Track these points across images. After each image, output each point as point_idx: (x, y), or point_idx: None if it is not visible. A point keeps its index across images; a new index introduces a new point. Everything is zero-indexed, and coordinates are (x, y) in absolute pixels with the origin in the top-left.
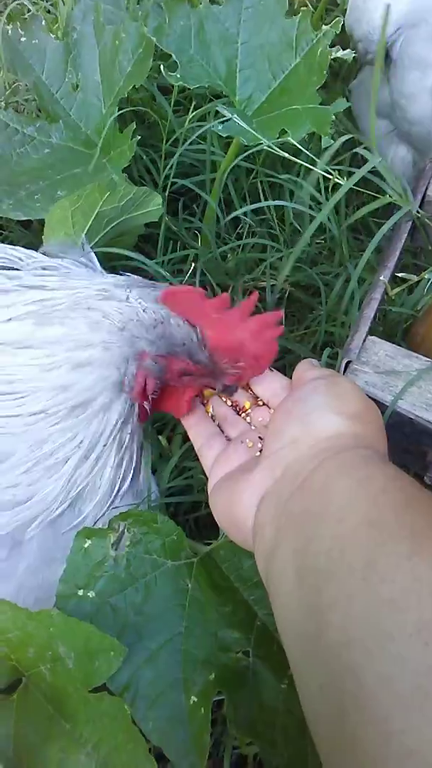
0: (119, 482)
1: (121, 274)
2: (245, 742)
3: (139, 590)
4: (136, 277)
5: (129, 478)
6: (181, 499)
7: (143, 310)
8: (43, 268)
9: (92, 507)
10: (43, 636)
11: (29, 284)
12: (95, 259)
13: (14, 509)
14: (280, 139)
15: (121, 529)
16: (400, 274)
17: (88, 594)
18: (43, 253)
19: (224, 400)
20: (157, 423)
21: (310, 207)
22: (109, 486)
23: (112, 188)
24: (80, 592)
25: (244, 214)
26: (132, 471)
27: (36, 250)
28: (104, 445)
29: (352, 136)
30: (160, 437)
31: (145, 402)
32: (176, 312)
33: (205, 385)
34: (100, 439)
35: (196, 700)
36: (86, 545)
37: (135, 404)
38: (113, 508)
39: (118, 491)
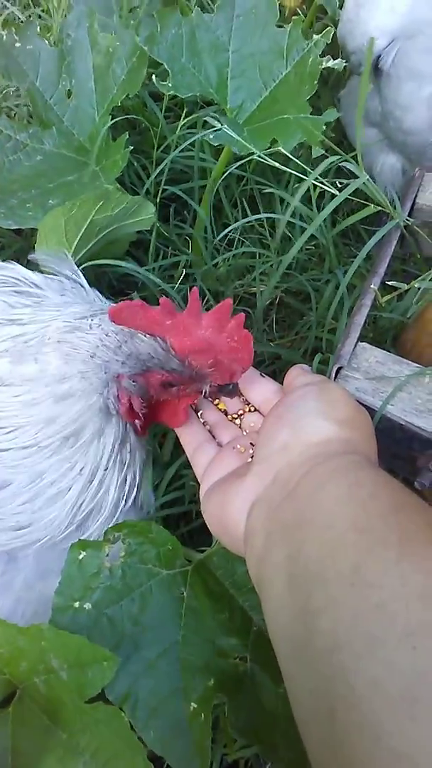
0: (124, 499)
1: (105, 288)
2: (234, 748)
3: (135, 600)
4: (100, 303)
5: (133, 495)
6: (173, 511)
7: (107, 335)
8: (17, 293)
9: (96, 526)
10: (34, 650)
11: (6, 318)
12: (81, 275)
13: (17, 532)
14: (271, 149)
15: (115, 541)
16: (390, 283)
17: (85, 606)
18: (32, 261)
19: (215, 403)
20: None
21: (300, 217)
22: (114, 505)
23: (105, 198)
24: (76, 604)
25: (235, 221)
26: (136, 487)
27: (27, 256)
28: (106, 469)
29: (344, 157)
30: (153, 444)
31: (137, 420)
32: (132, 328)
33: (196, 390)
34: (100, 464)
35: (196, 706)
36: (81, 557)
37: (128, 423)
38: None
39: (123, 508)
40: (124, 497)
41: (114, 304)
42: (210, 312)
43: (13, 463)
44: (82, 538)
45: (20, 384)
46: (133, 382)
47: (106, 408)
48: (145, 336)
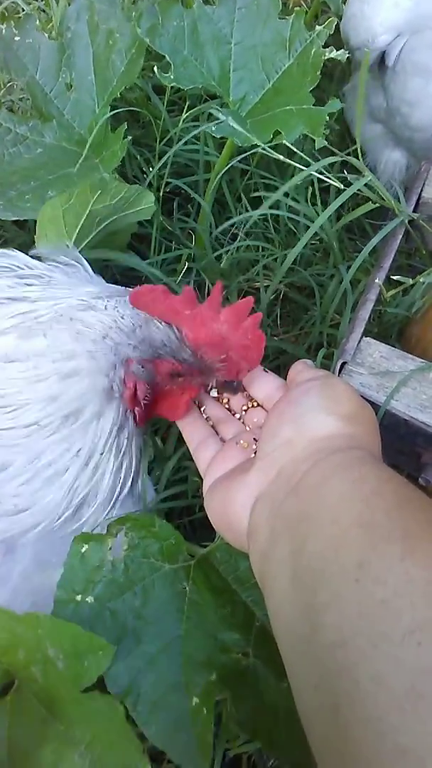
0: (119, 487)
1: (108, 282)
2: (237, 743)
3: (137, 594)
4: (114, 286)
5: (129, 483)
6: (176, 504)
7: (122, 317)
8: (20, 277)
9: (91, 512)
10: (31, 638)
11: (13, 296)
12: (85, 263)
13: (16, 516)
14: (273, 141)
15: (118, 534)
16: (395, 277)
17: (87, 599)
18: (34, 256)
19: (219, 399)
20: (154, 425)
21: (304, 214)
22: (109, 491)
23: (103, 187)
24: (78, 598)
25: (238, 215)
26: (132, 475)
27: (29, 250)
28: (101, 453)
29: (344, 158)
30: (155, 438)
31: (137, 407)
32: (151, 314)
33: (200, 384)
34: (97, 447)
35: (198, 701)
36: (84, 550)
37: (129, 410)
38: (113, 514)
39: (118, 496)
40: (120, 484)
41: (136, 288)
42: (229, 307)
43: (14, 442)
44: (77, 525)
45: (26, 360)
46: (142, 367)
47: (109, 390)
48: (160, 323)
